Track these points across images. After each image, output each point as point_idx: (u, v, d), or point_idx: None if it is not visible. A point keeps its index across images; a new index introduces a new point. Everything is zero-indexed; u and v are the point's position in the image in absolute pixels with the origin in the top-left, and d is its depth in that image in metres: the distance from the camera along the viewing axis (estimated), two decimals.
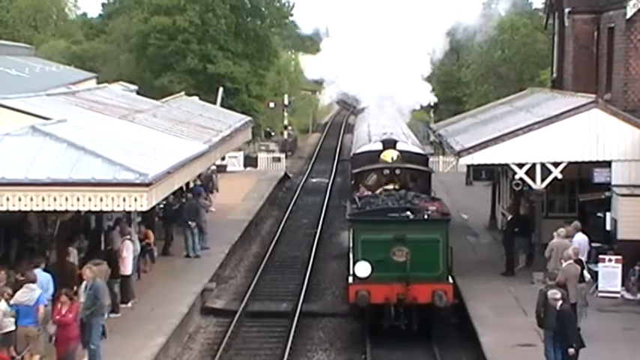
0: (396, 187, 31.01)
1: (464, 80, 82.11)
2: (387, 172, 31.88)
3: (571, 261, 27.03)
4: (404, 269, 26.51)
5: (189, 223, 37.16)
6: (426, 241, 27.02)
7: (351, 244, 28.08)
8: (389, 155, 32.55)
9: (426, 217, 27.47)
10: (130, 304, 29.15)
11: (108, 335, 24.64)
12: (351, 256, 27.79)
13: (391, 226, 27.00)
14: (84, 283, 24.34)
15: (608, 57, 38.12)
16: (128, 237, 30.12)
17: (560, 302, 22.55)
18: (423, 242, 26.96)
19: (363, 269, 26.63)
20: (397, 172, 31.76)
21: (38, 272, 24.40)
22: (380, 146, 33.34)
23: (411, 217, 27.33)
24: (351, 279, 27.29)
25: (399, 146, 33.13)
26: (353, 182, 33.79)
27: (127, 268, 29.31)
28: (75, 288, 24.53)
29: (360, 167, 33.62)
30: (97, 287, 24.01)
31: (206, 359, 28.00)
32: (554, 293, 22.70)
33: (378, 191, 30.99)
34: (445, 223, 27.75)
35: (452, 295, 26.95)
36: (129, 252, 29.49)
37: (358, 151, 36.92)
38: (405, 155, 32.93)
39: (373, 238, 27.20)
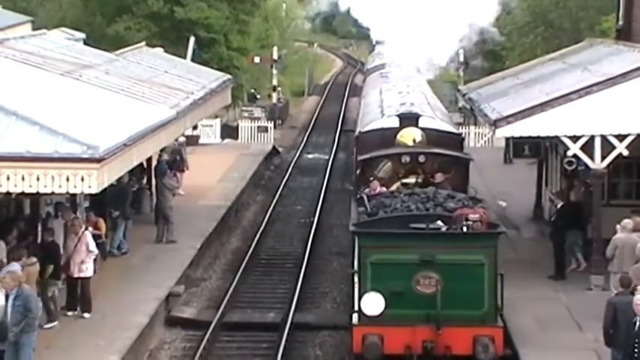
0: (419, 180, 29.01)
1: (504, 31, 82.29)
2: (406, 159, 29.57)
3: None
4: (433, 305, 23.29)
5: (112, 212, 36.88)
6: (466, 265, 23.79)
7: (356, 267, 24.90)
8: (409, 136, 30.20)
9: (465, 229, 23.96)
10: (86, 315, 29.17)
11: (43, 352, 24.89)
12: (356, 284, 24.55)
13: (415, 243, 23.85)
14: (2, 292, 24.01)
15: None
16: (85, 227, 29.90)
17: None
18: (460, 266, 23.73)
19: (373, 304, 23.36)
20: (421, 159, 29.47)
21: None
22: (396, 122, 31.07)
23: (444, 229, 24.10)
24: (356, 318, 24.10)
25: (422, 122, 31.00)
26: (359, 173, 31.05)
27: (89, 268, 29.23)
28: None
29: (368, 152, 30.85)
30: (25, 296, 23.72)
31: None
32: (639, 299, 22.57)
33: (394, 187, 28.74)
34: (493, 238, 24.32)
35: (502, 344, 23.82)
36: (92, 247, 29.42)
37: (366, 128, 34.27)
38: (432, 135, 30.83)
39: (388, 260, 23.81)
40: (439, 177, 28.54)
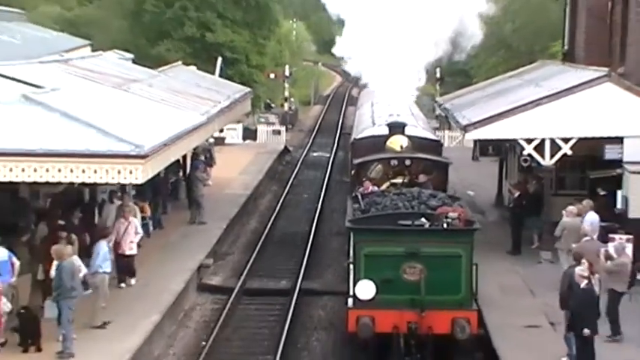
0: (406, 180, 28.19)
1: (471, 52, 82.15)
2: (394, 162, 28.79)
3: (588, 237, 27.35)
4: (417, 291, 22.46)
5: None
6: (446, 257, 22.86)
7: (352, 259, 23.77)
8: (397, 142, 29.40)
9: (445, 226, 23.16)
10: (132, 282, 29.23)
11: (102, 314, 24.94)
12: (351, 273, 23.61)
13: (402, 238, 22.89)
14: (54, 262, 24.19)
15: (622, 28, 38.19)
16: (133, 214, 29.84)
17: (585, 281, 22.54)
18: (441, 258, 22.80)
19: (366, 290, 22.59)
20: (407, 162, 28.58)
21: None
22: (386, 131, 30.37)
23: (427, 225, 23.20)
24: (351, 302, 23.23)
25: (408, 131, 30.29)
26: (354, 174, 30.16)
27: (135, 247, 29.34)
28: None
29: (362, 156, 30.15)
30: (60, 269, 23.79)
31: (202, 337, 28.07)
32: (583, 271, 22.67)
33: (384, 186, 28.09)
34: (470, 234, 23.32)
35: (477, 325, 22.92)
36: (139, 230, 29.71)
37: (360, 135, 33.73)
38: (416, 142, 30.10)
39: (379, 252, 23.00)
40: (422, 178, 27.97)
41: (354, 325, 22.23)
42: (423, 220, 22.99)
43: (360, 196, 26.19)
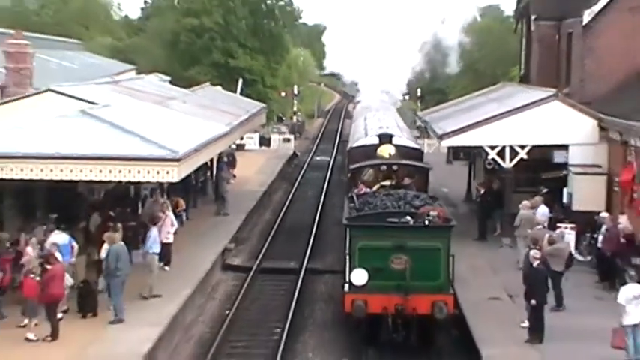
0: (393, 183, 27.38)
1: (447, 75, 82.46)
2: (384, 168, 27.97)
3: (540, 226, 27.44)
4: (403, 278, 22.00)
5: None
6: (427, 250, 22.31)
7: (347, 250, 23.31)
8: (386, 151, 28.71)
9: (427, 223, 22.69)
10: (167, 269, 28.93)
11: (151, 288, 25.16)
12: (347, 262, 23.18)
13: (390, 233, 22.39)
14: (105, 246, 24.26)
15: (567, 57, 38.36)
16: (169, 211, 29.57)
17: (537, 262, 22.63)
18: (423, 250, 22.26)
19: (360, 277, 22.15)
20: (394, 168, 27.90)
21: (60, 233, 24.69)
22: (376, 141, 29.66)
23: (412, 223, 22.74)
24: (347, 287, 22.73)
25: (395, 141, 29.55)
26: (350, 177, 29.58)
27: (171, 237, 29.04)
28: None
29: (357, 162, 29.36)
30: (108, 252, 23.83)
31: (225, 307, 28.06)
32: (536, 253, 22.79)
33: (375, 187, 27.19)
34: (447, 230, 22.87)
35: (452, 306, 22.58)
36: (175, 222, 29.46)
37: (355, 145, 32.83)
38: (402, 150, 29.35)
39: (371, 245, 22.47)
40: (407, 181, 27.35)
41: (350, 307, 21.95)
42: (408, 218, 22.62)
43: (355, 197, 25.92)
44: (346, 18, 40.84)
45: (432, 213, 22.66)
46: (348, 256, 22.84)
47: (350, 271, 22.21)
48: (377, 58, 39.03)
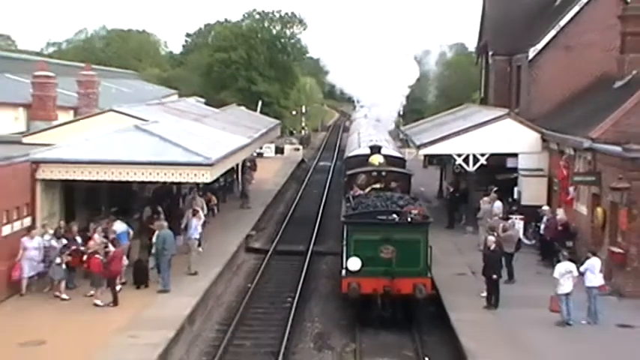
0: (382, 186, 26.64)
1: (424, 98, 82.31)
2: (374, 173, 27.32)
3: (496, 217, 27.65)
4: (390, 265, 21.62)
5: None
6: (409, 241, 21.84)
7: (344, 242, 22.78)
8: (376, 159, 28.19)
9: (409, 220, 22.13)
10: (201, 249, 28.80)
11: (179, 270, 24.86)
12: (344, 252, 22.66)
13: (380, 228, 21.94)
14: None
15: (516, 84, 38.33)
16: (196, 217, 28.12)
17: (494, 245, 22.83)
18: (406, 242, 21.80)
19: (354, 264, 21.73)
20: (383, 174, 27.21)
21: (120, 223, 24.95)
22: (368, 151, 29.19)
23: (397, 220, 22.19)
24: (344, 272, 22.16)
25: (383, 151, 29.16)
26: (347, 181, 28.68)
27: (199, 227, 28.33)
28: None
29: (352, 169, 28.76)
30: (158, 237, 23.89)
31: (248, 281, 28.13)
32: (492, 241, 22.98)
33: (367, 189, 26.39)
34: (426, 225, 22.31)
35: (430, 288, 22.05)
36: (202, 216, 28.71)
37: (351, 154, 32.25)
38: (389, 159, 28.82)
39: (364, 238, 22.06)
40: (393, 184, 26.81)
41: (346, 289, 21.65)
42: (394, 215, 22.20)
43: (351, 198, 25.48)
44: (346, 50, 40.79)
45: (413, 211, 22.30)
46: (344, 247, 22.45)
47: (346, 259, 21.89)
48: (370, 83, 38.99)
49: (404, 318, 22.02)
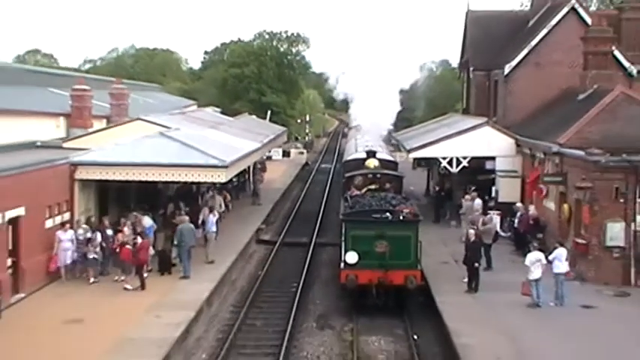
0: (377, 187, 26.20)
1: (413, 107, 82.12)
2: (370, 176, 26.94)
3: (477, 212, 27.80)
4: (384, 258, 21.17)
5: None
6: (401, 237, 21.33)
7: (343, 238, 22.20)
8: (371, 163, 27.96)
9: (401, 218, 21.73)
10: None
11: (198, 259, 24.83)
12: (343, 246, 22.09)
13: (374, 225, 21.48)
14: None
15: (494, 96, 38.32)
16: (212, 212, 27.81)
17: (474, 237, 22.90)
18: (398, 238, 21.30)
19: (352, 258, 21.26)
20: (378, 176, 26.85)
21: (147, 218, 24.98)
22: (364, 155, 28.97)
23: (390, 218, 21.77)
24: (342, 265, 21.68)
25: (378, 155, 28.89)
26: (345, 182, 28.22)
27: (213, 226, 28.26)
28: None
29: (350, 171, 28.32)
30: (179, 230, 23.90)
31: (259, 269, 28.16)
32: (472, 233, 23.02)
33: (364, 190, 25.89)
34: (416, 223, 21.72)
35: (420, 279, 21.60)
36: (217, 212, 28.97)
37: (349, 158, 32.00)
38: (383, 162, 28.52)
39: (360, 234, 21.51)
40: (387, 185, 26.42)
41: (345, 279, 21.27)
42: (387, 214, 21.83)
43: (349, 197, 25.08)
44: (347, 65, 40.92)
45: (405, 210, 22.01)
46: (343, 242, 21.99)
47: (345, 253, 21.50)
48: (369, 93, 39.05)
49: (396, 305, 21.78)
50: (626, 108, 26.59)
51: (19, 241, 20.89)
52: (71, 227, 22.92)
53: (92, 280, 22.72)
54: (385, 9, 42.61)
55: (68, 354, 16.65)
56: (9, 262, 20.54)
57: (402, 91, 41.61)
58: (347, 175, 28.13)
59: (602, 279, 23.29)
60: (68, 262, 22.58)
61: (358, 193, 25.47)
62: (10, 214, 20.33)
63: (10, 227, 20.51)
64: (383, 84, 38.37)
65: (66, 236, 22.44)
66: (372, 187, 25.98)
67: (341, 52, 42.17)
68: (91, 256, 22.89)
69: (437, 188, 36.38)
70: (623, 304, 21.69)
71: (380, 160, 28.33)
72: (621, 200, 23.33)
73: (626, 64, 33.63)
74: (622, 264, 23.37)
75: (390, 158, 31.19)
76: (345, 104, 50.79)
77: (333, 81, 44.83)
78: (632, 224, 23.36)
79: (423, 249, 21.90)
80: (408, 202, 23.56)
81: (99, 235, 23.13)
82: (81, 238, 22.86)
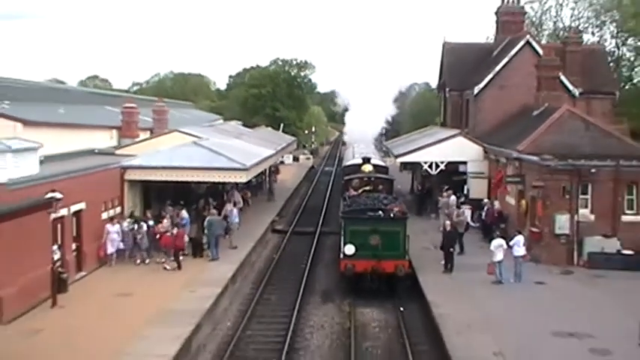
0: (371, 188, 25.42)
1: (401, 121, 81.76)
2: (365, 179, 26.23)
3: (452, 207, 27.89)
4: (377, 250, 20.55)
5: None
6: (392, 232, 20.71)
7: (342, 232, 21.49)
8: (366, 167, 27.31)
9: (392, 215, 21.11)
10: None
11: (225, 246, 24.91)
12: (342, 240, 21.35)
13: (369, 222, 20.79)
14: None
15: (466, 112, 38.23)
16: (235, 207, 27.68)
17: (450, 227, 23.04)
18: (389, 232, 20.70)
19: (350, 249, 20.66)
20: (372, 179, 26.16)
21: (184, 211, 25.01)
22: (360, 161, 28.31)
23: (382, 215, 21.12)
24: (342, 256, 21.01)
25: (372, 161, 28.26)
26: (344, 184, 27.50)
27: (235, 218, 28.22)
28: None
29: (348, 175, 27.68)
30: (208, 221, 23.97)
31: (274, 253, 28.13)
32: (448, 224, 23.19)
33: (360, 191, 25.11)
34: (404, 220, 21.01)
35: (408, 267, 21.01)
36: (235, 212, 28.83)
37: (347, 164, 31.33)
38: (376, 167, 27.87)
39: (357, 229, 20.79)
40: (380, 187, 25.55)
41: (344, 268, 20.76)
42: (380, 212, 21.24)
43: (347, 197, 24.49)
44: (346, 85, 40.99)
45: (395, 209, 21.47)
46: (342, 236, 21.38)
47: (344, 246, 20.93)
48: (362, 108, 39.07)
49: (388, 289, 21.33)
50: (571, 122, 26.81)
51: (80, 229, 21.18)
52: (117, 222, 23.02)
53: (138, 261, 22.96)
54: (378, 39, 42.76)
55: (122, 320, 16.96)
56: (73, 246, 20.87)
57: (395, 100, 41.58)
58: (346, 178, 27.52)
59: (552, 260, 23.41)
60: (115, 250, 22.65)
61: (355, 193, 24.94)
62: (74, 207, 20.64)
63: (74, 218, 20.81)
64: (373, 101, 38.36)
65: (113, 229, 22.56)
66: (367, 188, 25.43)
67: (340, 73, 42.36)
68: (138, 242, 23.03)
69: (420, 187, 36.36)
70: (567, 280, 21.93)
71: (374, 165, 27.79)
72: (567, 197, 23.52)
73: (570, 86, 33.80)
74: (567, 248, 23.56)
75: (382, 163, 30.57)
76: (342, 117, 50.73)
77: (337, 99, 44.87)
78: (576, 216, 23.57)
79: (410, 238, 21.70)
80: (398, 202, 23.09)
81: (144, 225, 23.28)
82: (126, 229, 22.97)
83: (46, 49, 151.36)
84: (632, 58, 49.42)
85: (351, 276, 20.95)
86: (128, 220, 23.41)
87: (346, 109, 44.07)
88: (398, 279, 20.89)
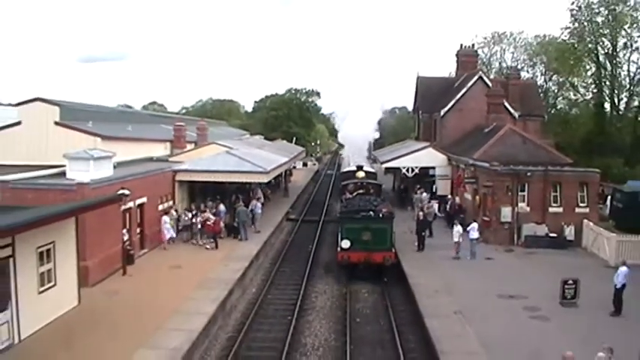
0: (363, 192, 24.03)
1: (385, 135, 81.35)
2: (359, 184, 24.95)
3: (425, 201, 27.86)
4: (368, 244, 19.42)
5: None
6: (380, 229, 19.55)
7: (339, 229, 20.34)
8: (360, 174, 26.08)
9: (381, 215, 19.94)
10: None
11: (251, 230, 24.70)
12: (339, 235, 20.21)
13: (362, 220, 19.64)
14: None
15: (434, 129, 37.98)
16: (258, 201, 26.66)
17: (422, 217, 23.00)
18: (378, 229, 19.54)
19: (346, 244, 19.58)
20: (364, 183, 24.91)
21: (221, 205, 24.90)
22: (355, 168, 27.07)
23: (373, 215, 19.91)
24: (339, 249, 19.84)
25: (365, 168, 27.07)
26: (341, 188, 26.30)
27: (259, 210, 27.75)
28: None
29: (344, 180, 26.47)
30: (237, 211, 23.88)
31: (288, 236, 28.07)
32: (421, 214, 23.16)
33: (354, 194, 23.79)
34: (391, 219, 19.84)
35: (394, 258, 19.81)
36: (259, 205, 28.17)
37: (343, 170, 30.28)
38: (368, 174, 26.59)
39: (352, 227, 19.65)
40: (371, 191, 24.30)
41: (341, 259, 19.71)
42: (371, 212, 20.14)
43: (343, 200, 23.46)
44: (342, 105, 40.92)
45: (383, 209, 20.43)
46: (339, 233, 20.29)
47: (340, 240, 19.88)
48: (354, 126, 38.99)
49: (377, 276, 20.12)
50: (512, 137, 27.26)
51: (143, 217, 21.47)
52: (166, 213, 22.97)
53: (194, 242, 23.04)
54: (369, 72, 42.83)
55: (174, 285, 17.37)
56: (138, 230, 21.17)
57: (379, 121, 41.49)
58: (342, 183, 26.65)
59: (498, 242, 23.62)
60: (168, 236, 22.64)
61: (350, 196, 23.90)
62: (139, 201, 20.98)
63: (138, 209, 21.11)
64: (362, 119, 38.40)
65: (167, 219, 22.70)
66: (360, 191, 24.32)
67: (339, 96, 42.37)
68: (190, 227, 23.16)
69: (400, 186, 36.30)
70: (509, 256, 22.16)
71: (366, 172, 26.76)
72: (509, 194, 23.75)
73: (512, 110, 33.81)
74: (509, 232, 23.79)
75: (373, 170, 29.33)
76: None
77: (336, 119, 44.77)
78: (516, 208, 23.79)
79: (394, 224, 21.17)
80: (385, 203, 22.04)
81: (190, 215, 23.49)
82: (174, 219, 23.09)
83: (118, 82, 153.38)
84: (555, 90, 51.99)
85: (347, 265, 20.01)
86: (173, 212, 23.35)
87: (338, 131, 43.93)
88: (385, 267, 19.88)
